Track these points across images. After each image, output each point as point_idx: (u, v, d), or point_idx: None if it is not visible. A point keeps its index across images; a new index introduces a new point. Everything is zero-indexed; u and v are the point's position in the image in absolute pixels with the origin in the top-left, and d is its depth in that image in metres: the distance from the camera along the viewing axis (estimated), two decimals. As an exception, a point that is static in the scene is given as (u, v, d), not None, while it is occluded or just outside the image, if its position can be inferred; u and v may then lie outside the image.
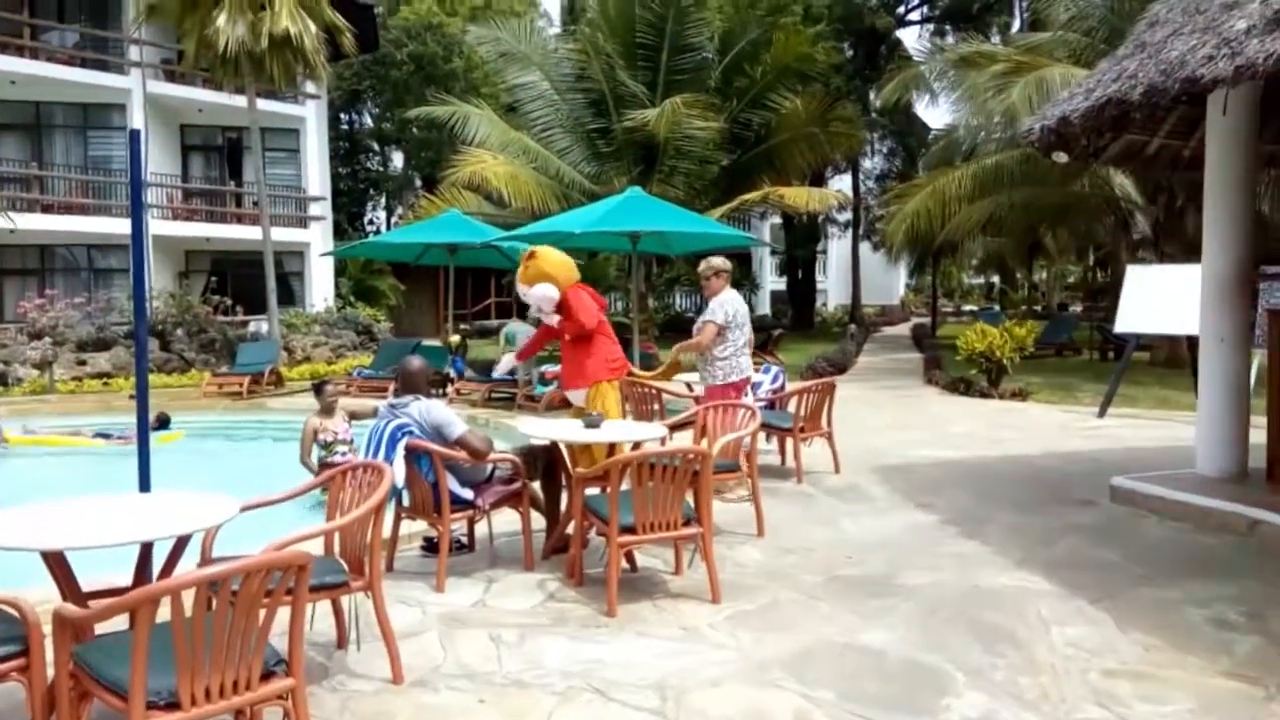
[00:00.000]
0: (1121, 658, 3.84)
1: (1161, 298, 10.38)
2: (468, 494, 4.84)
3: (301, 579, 2.80)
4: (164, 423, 10.86)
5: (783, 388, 8.57)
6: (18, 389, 15.38)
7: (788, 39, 18.17)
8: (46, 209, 21.21)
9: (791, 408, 7.71)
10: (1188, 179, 13.00)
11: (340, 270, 26.78)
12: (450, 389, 13.13)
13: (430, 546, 5.24)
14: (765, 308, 40.02)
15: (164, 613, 2.52)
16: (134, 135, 4.28)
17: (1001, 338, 13.24)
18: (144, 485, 4.13)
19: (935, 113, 57.66)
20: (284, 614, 2.79)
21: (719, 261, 6.96)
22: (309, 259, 24.07)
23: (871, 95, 30.16)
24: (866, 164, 35.56)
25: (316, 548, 3.93)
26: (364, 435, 4.88)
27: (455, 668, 3.77)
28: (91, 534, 3.06)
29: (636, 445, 5.18)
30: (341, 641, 3.92)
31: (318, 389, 8.22)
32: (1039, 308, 42.72)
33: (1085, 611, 4.36)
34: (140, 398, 4.24)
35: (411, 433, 4.68)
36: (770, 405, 8.18)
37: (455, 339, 13.94)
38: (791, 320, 33.17)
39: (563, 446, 5.25)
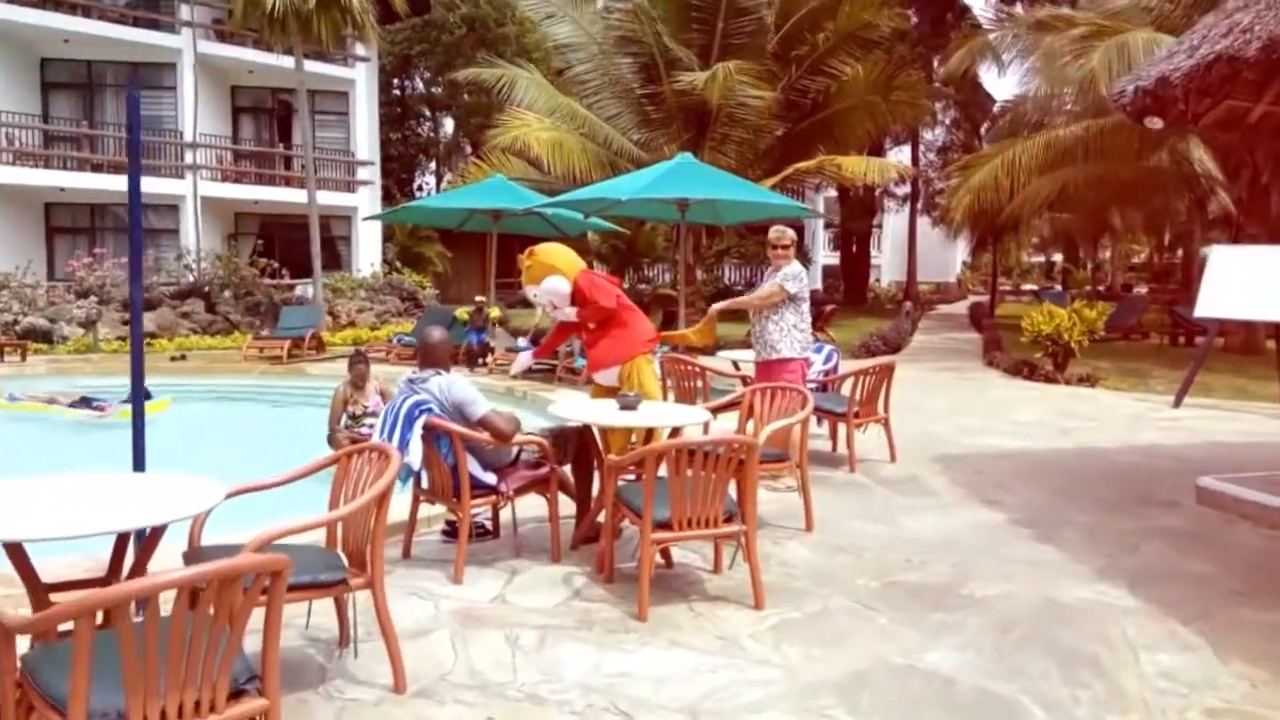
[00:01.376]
0: (1224, 694, 3.33)
1: (1249, 280, 9.61)
2: (490, 478, 4.44)
3: (276, 586, 2.40)
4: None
5: (835, 368, 8.05)
6: (62, 347, 15.39)
7: (852, 3, 17.32)
8: (96, 168, 21.24)
9: (846, 390, 7.21)
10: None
11: (388, 236, 26.62)
12: (490, 359, 12.80)
13: (452, 531, 4.87)
14: (817, 282, 39.10)
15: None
16: (131, 82, 3.90)
17: (1070, 320, 12.53)
18: (138, 464, 3.78)
19: (1001, 84, 55.65)
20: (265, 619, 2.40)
21: (792, 232, 6.45)
22: (356, 223, 23.91)
23: (935, 64, 29.05)
24: (927, 136, 34.40)
25: (321, 535, 3.58)
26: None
27: (465, 676, 3.37)
28: (53, 523, 2.70)
29: (676, 431, 4.73)
30: (344, 639, 3.56)
31: (352, 360, 7.94)
32: (1101, 288, 41.26)
33: (1178, 635, 3.84)
34: (135, 367, 3.89)
35: (431, 410, 4.28)
36: (822, 387, 7.67)
37: (495, 312, 13.62)
38: (843, 296, 32.35)
39: (595, 429, 4.81)
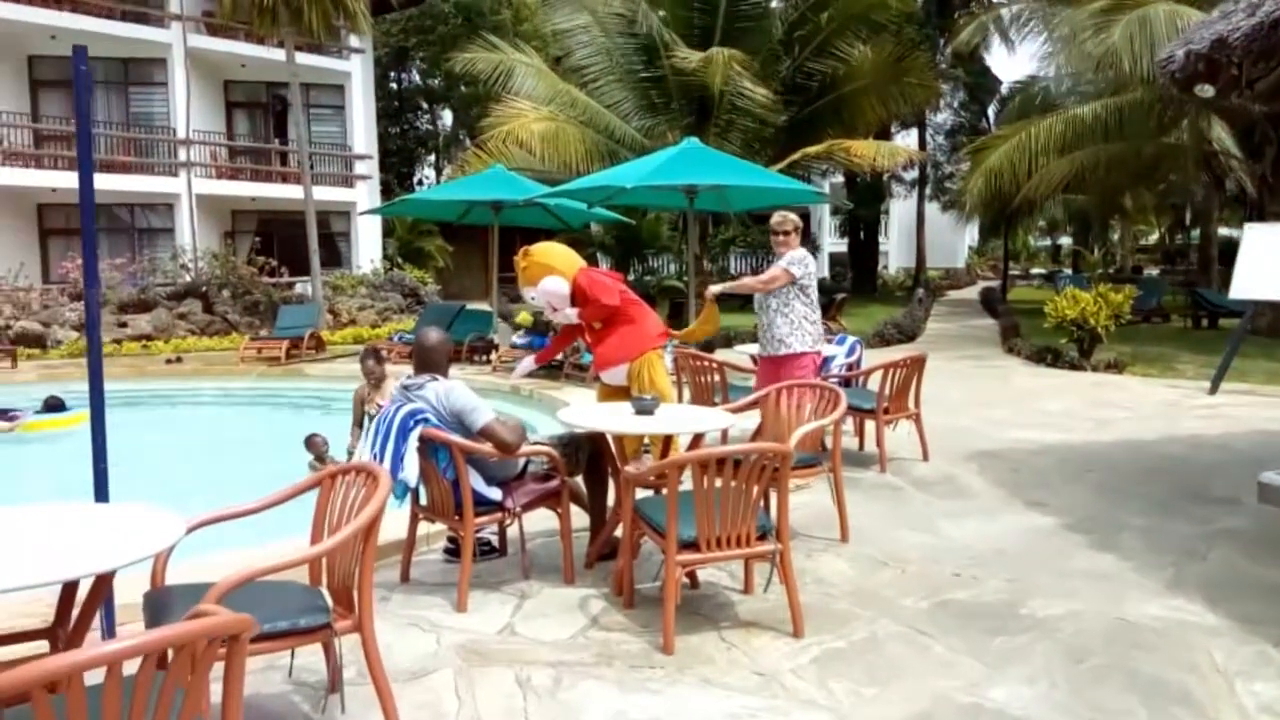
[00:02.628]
0: (1339, 731, 2.90)
1: (1288, 260, 9.15)
2: (495, 494, 4.01)
3: (235, 652, 1.98)
4: (55, 406, 9.18)
5: (859, 361, 7.60)
6: (55, 351, 14.98)
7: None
8: (89, 167, 20.78)
9: (873, 385, 6.77)
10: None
11: (388, 231, 26.19)
12: (494, 356, 12.36)
13: (454, 550, 4.45)
14: (825, 270, 38.62)
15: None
16: (78, 53, 3.45)
17: (1095, 304, 12.06)
18: (100, 493, 3.33)
19: (1011, 65, 54.89)
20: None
21: (796, 216, 6.02)
22: (355, 219, 23.47)
23: (942, 45, 28.48)
24: (935, 119, 33.82)
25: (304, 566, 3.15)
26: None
27: (470, 728, 2.95)
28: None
29: (698, 438, 4.30)
30: (333, 685, 3.13)
31: (363, 356, 7.45)
32: (1111, 270, 40.64)
33: (1272, 659, 3.41)
34: (93, 377, 3.44)
35: (428, 420, 3.85)
36: (845, 383, 7.22)
37: (526, 317, 12.54)
38: (852, 283, 31.86)
39: (609, 436, 4.38)
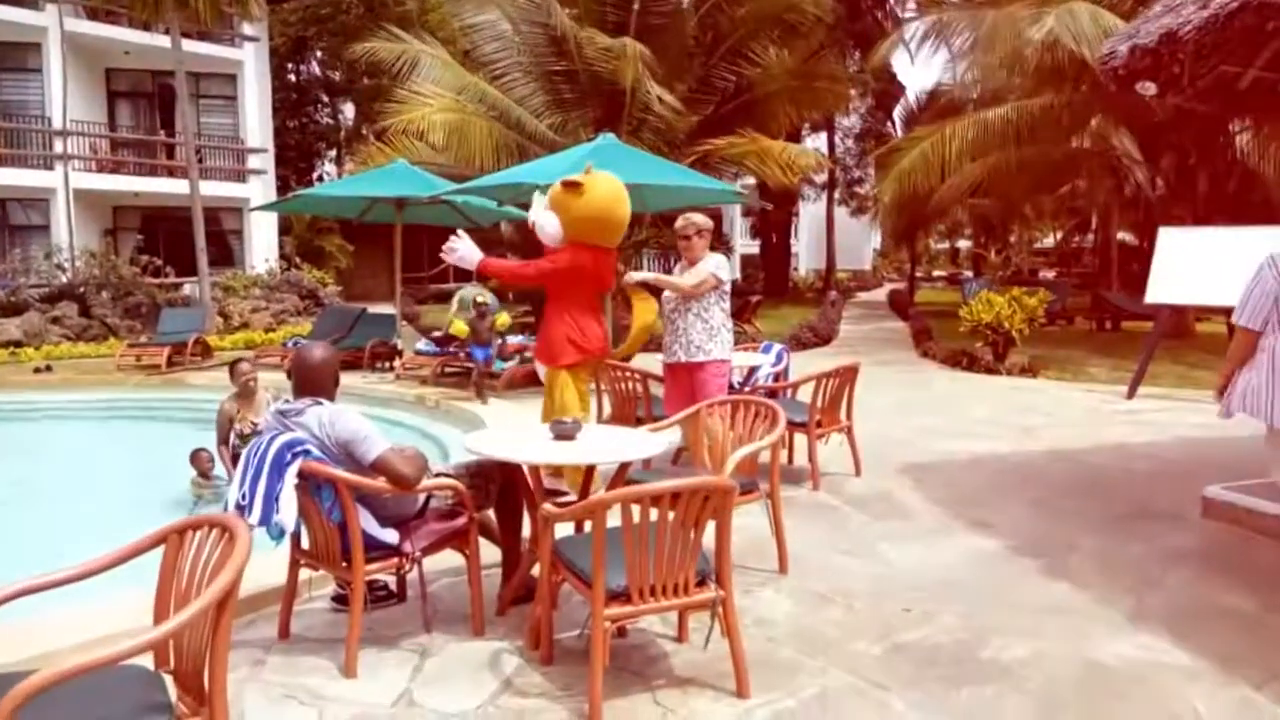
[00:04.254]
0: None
1: (1201, 264, 9.16)
2: (390, 536, 3.46)
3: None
4: None
5: (787, 370, 7.25)
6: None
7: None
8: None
9: (803, 396, 6.41)
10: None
11: (285, 229, 25.01)
12: (397, 363, 11.66)
13: (344, 598, 3.86)
14: (736, 272, 38.66)
15: None
16: None
17: (1010, 308, 12.04)
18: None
19: (914, 72, 56.35)
20: None
21: (701, 218, 5.63)
22: (248, 216, 22.28)
23: (851, 47, 28.68)
24: (844, 123, 34.14)
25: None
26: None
27: (356, 838, 2.41)
28: None
29: (624, 467, 3.82)
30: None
31: (232, 365, 6.88)
32: (1009, 273, 41.68)
33: (1256, 705, 3.11)
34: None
35: (308, 452, 3.27)
36: (771, 394, 6.85)
37: (504, 318, 11.02)
38: (764, 285, 31.86)
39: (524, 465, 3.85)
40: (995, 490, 5.93)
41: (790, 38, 18.49)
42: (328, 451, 3.32)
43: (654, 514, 2.99)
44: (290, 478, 3.22)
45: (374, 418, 9.21)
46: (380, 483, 3.32)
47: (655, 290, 5.64)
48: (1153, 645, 3.57)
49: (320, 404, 3.40)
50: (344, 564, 3.38)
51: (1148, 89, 5.26)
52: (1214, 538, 4.93)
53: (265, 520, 3.17)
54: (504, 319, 10.87)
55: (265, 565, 3.94)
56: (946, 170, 15.66)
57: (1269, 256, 4.20)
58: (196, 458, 6.87)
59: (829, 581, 4.24)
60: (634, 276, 5.42)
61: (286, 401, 3.46)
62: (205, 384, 11.12)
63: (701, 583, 3.17)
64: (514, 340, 11.11)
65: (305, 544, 3.57)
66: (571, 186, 5.03)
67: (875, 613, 3.89)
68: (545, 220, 5.16)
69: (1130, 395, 9.72)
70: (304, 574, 3.77)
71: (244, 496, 3.20)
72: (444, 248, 5.27)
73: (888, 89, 31.64)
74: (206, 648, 2.26)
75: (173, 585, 2.50)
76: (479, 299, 10.68)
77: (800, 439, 6.24)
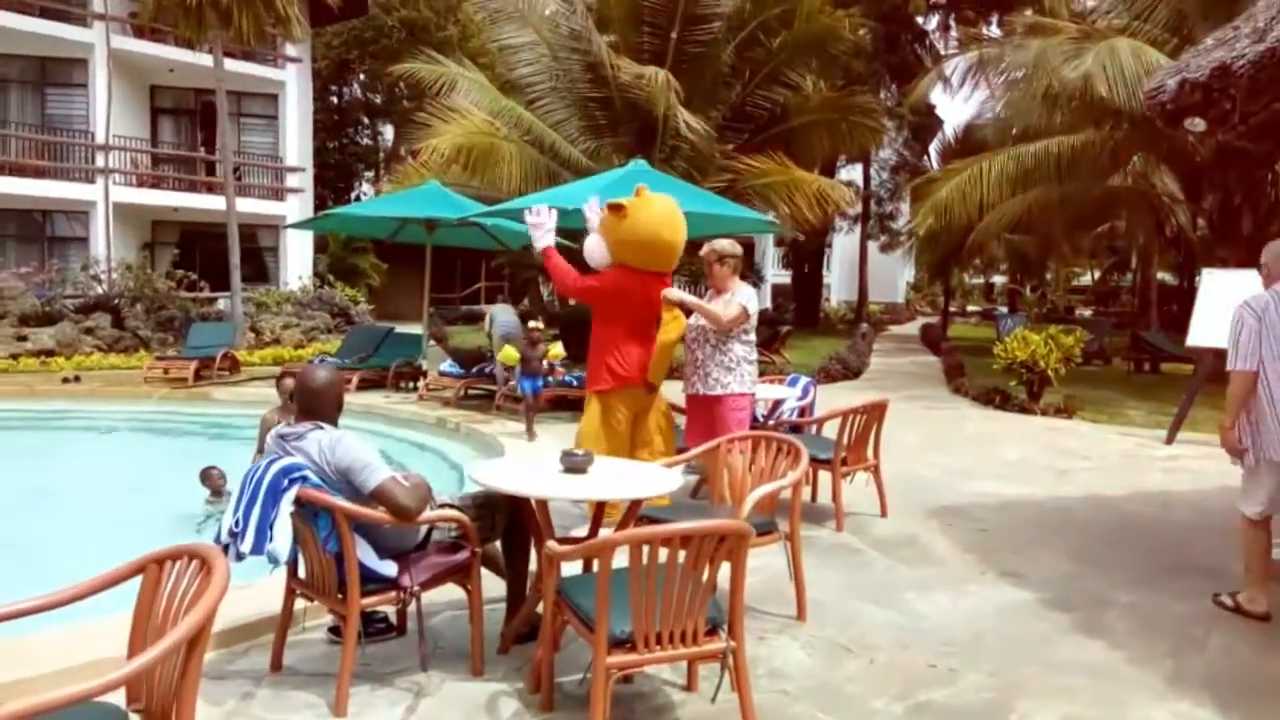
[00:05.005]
0: None
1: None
2: (389, 569, 3.31)
3: None
4: None
5: (813, 404, 7.06)
6: (-58, 367, 13.80)
7: (812, 9, 16.50)
8: (-1, 169, 19.57)
9: (829, 431, 6.21)
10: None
11: (320, 247, 25.22)
12: (421, 384, 11.59)
13: (340, 630, 3.71)
14: (767, 301, 38.48)
15: None
16: None
17: (1045, 346, 11.75)
18: None
19: (952, 106, 56.07)
20: None
21: (725, 244, 5.48)
22: (284, 233, 22.48)
23: (887, 79, 28.54)
24: (879, 155, 33.92)
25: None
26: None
27: None
28: None
29: (636, 504, 3.67)
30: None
31: (280, 379, 6.68)
32: (1045, 310, 41.14)
33: (1308, 785, 2.87)
34: None
35: (306, 478, 3.15)
36: (795, 429, 6.67)
37: (557, 349, 9.86)
38: (794, 316, 31.63)
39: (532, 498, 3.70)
40: (1027, 537, 5.69)
41: (827, 68, 18.42)
42: (326, 478, 3.19)
43: (664, 553, 2.84)
44: (286, 505, 3.09)
45: (395, 438, 9.18)
46: (380, 512, 3.19)
47: (687, 313, 5.49)
48: (1193, 715, 3.34)
49: (321, 428, 3.28)
50: (339, 596, 3.24)
51: (1196, 125, 5.06)
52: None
53: (258, 549, 3.05)
54: (557, 350, 9.88)
55: (265, 590, 3.83)
56: (985, 204, 15.43)
57: (1243, 303, 4.33)
58: (207, 476, 6.78)
59: (849, 631, 4.04)
60: (671, 295, 5.24)
61: (287, 425, 3.34)
62: (229, 399, 11.12)
63: (712, 631, 3.00)
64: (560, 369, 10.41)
65: (302, 573, 3.44)
66: (615, 209, 4.98)
67: (897, 667, 3.68)
68: (591, 245, 5.17)
69: (1170, 440, 9.40)
70: (301, 603, 3.64)
71: (237, 523, 3.07)
72: (533, 211, 5.37)
73: (925, 122, 31.43)
74: (171, 684, 2.12)
75: (149, 617, 2.37)
76: (533, 324, 9.71)
77: (824, 476, 6.05)
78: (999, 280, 53.42)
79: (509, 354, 9.68)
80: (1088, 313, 38.56)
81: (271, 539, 3.05)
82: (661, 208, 5.05)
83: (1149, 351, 17.19)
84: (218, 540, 3.13)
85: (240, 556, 3.07)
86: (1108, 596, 4.59)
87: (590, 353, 5.31)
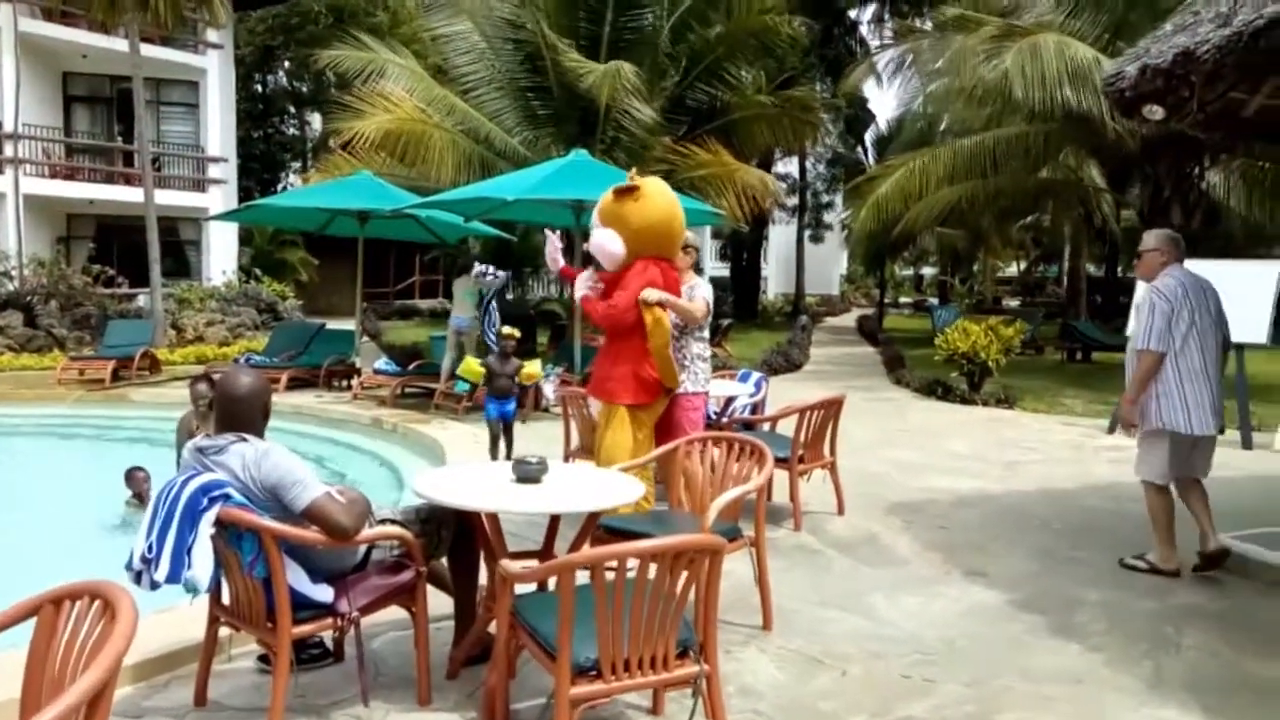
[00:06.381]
0: None
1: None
2: (324, 593, 3.00)
3: None
4: None
5: (764, 399, 6.88)
6: None
7: (749, 4, 16.37)
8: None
9: (781, 428, 6.04)
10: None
11: (246, 240, 24.36)
12: (355, 383, 11.14)
13: (270, 659, 3.39)
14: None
15: None
16: None
17: (986, 337, 11.81)
18: None
19: (885, 99, 56.78)
20: None
21: (690, 235, 5.26)
22: (207, 227, 21.63)
23: (823, 73, 28.67)
24: (815, 149, 34.08)
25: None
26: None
27: None
28: None
29: (594, 516, 3.41)
30: None
31: (194, 381, 6.26)
32: (974, 301, 41.84)
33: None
34: None
35: (229, 496, 2.82)
36: (747, 426, 6.49)
37: (533, 368, 8.48)
38: (733, 308, 31.63)
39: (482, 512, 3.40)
40: (987, 534, 5.58)
41: (763, 59, 18.33)
42: (252, 495, 2.87)
43: (631, 570, 2.59)
44: (206, 527, 2.77)
45: (327, 440, 8.75)
46: (313, 533, 2.88)
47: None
48: (1179, 721, 3.21)
49: (245, 440, 2.95)
50: (269, 625, 2.92)
51: (1155, 113, 4.97)
52: (1228, 593, 4.60)
53: (174, 577, 2.73)
54: (533, 369, 8.41)
55: (186, 615, 3.48)
56: (923, 194, 15.49)
57: (1152, 288, 4.61)
58: (132, 477, 6.37)
59: (818, 641, 3.85)
60: (650, 295, 4.72)
61: (207, 436, 3.01)
62: (148, 400, 10.54)
63: (683, 654, 2.76)
64: (556, 373, 9.61)
65: (226, 599, 3.11)
66: (626, 191, 4.56)
67: (871, 680, 3.50)
68: (604, 239, 4.58)
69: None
70: (226, 630, 3.31)
71: (151, 548, 2.74)
72: (553, 242, 5.29)
73: (859, 115, 31.67)
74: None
75: (43, 668, 2.04)
76: (507, 330, 7.68)
77: (780, 475, 5.85)
78: (929, 272, 54.28)
79: (471, 368, 8.10)
80: (1015, 303, 39.29)
81: (189, 565, 2.72)
82: (666, 188, 4.74)
83: (1080, 341, 17.48)
84: (129, 567, 2.80)
85: (155, 585, 2.75)
86: (1076, 595, 4.48)
87: (608, 362, 4.76)
